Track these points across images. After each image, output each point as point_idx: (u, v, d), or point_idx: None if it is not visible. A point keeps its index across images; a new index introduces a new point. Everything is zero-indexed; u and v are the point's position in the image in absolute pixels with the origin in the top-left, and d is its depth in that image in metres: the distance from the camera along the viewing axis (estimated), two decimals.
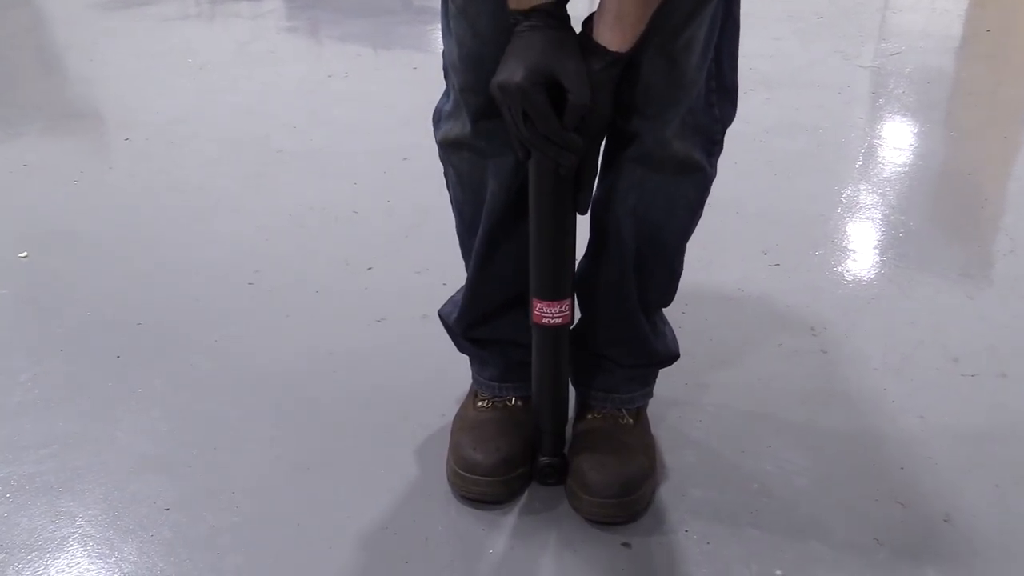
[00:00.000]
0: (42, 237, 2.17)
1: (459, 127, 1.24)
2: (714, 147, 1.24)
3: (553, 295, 1.26)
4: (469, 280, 1.40)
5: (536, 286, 1.27)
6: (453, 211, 1.39)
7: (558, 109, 1.11)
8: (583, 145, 1.14)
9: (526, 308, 1.29)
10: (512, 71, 1.09)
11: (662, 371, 1.48)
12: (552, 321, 1.27)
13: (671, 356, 1.45)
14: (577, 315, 1.35)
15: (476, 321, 1.43)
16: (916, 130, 2.74)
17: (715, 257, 2.01)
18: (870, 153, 2.57)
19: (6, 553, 1.32)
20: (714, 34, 1.16)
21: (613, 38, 1.09)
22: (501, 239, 1.32)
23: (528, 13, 1.09)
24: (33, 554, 1.32)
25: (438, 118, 1.30)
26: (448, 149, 1.29)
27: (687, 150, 1.21)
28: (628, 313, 1.36)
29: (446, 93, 1.28)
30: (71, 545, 1.33)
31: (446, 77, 1.26)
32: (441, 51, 1.24)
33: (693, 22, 1.11)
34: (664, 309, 1.45)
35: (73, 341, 1.79)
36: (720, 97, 1.22)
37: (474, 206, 1.33)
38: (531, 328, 1.31)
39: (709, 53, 1.17)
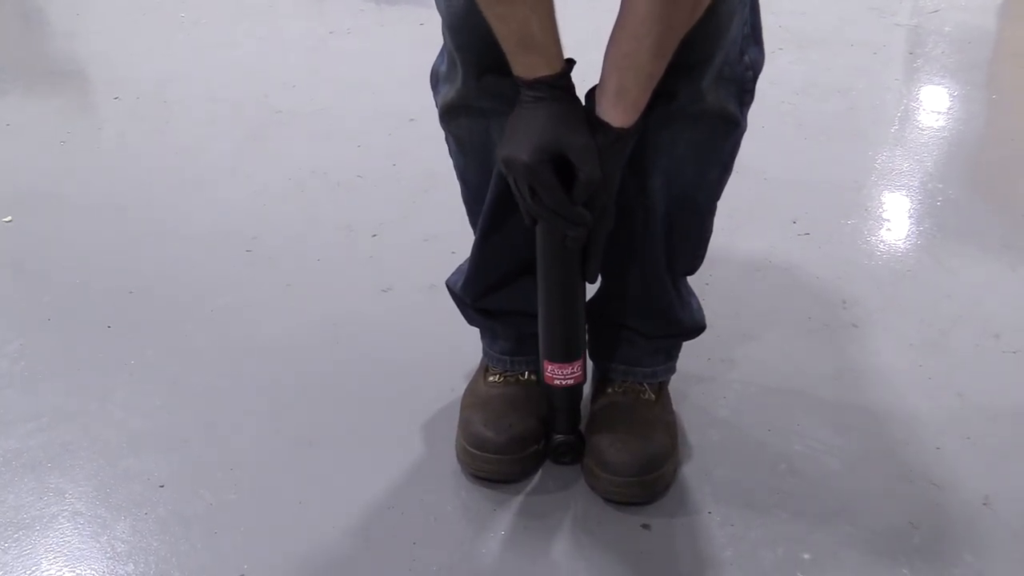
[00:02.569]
0: (28, 200, 2.17)
1: (456, 89, 1.24)
2: (746, 96, 1.24)
3: (564, 358, 1.31)
4: (475, 247, 1.40)
5: (546, 349, 1.32)
6: (459, 181, 1.39)
7: (566, 182, 1.15)
8: (591, 219, 1.18)
9: (535, 276, 1.30)
10: (518, 147, 1.13)
11: (685, 345, 1.48)
12: (564, 382, 1.33)
13: (697, 327, 1.45)
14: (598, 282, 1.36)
15: (485, 290, 1.43)
16: (956, 92, 2.72)
17: (741, 226, 2.00)
18: (906, 117, 2.56)
19: None
20: None
21: (616, 115, 1.12)
22: (510, 206, 1.32)
23: (532, 84, 1.12)
24: (20, 532, 1.33)
25: (435, 81, 1.30)
26: (446, 117, 1.29)
27: (721, 102, 1.21)
28: (655, 280, 1.36)
29: (442, 52, 1.28)
30: (60, 523, 1.34)
31: (443, 34, 1.26)
32: None
33: None
34: (688, 280, 1.45)
35: (61, 310, 1.79)
36: (748, 43, 1.22)
37: (479, 173, 1.33)
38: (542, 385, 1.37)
39: (743, 8, 1.17)
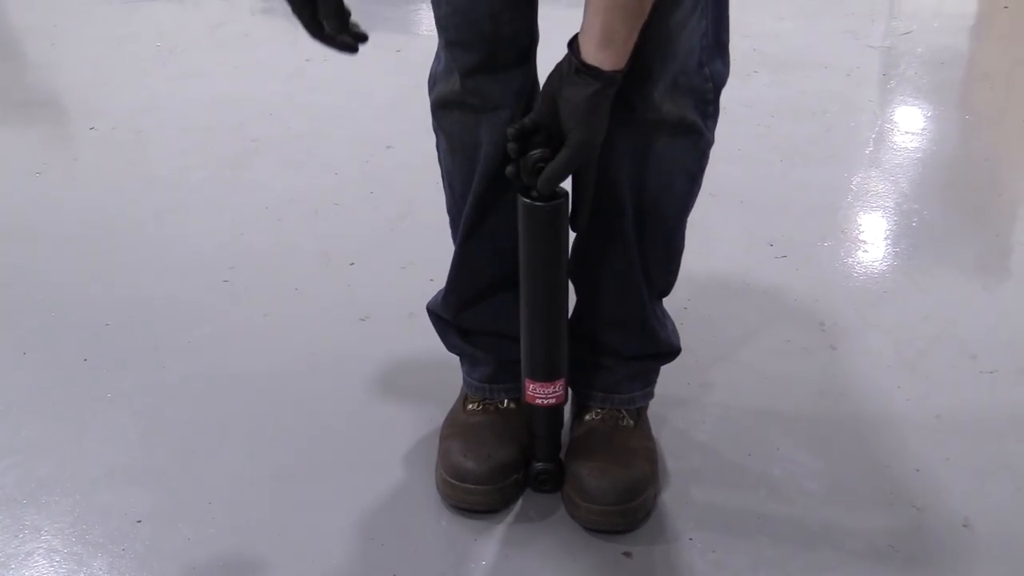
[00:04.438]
0: (2, 232, 2.15)
1: (450, 86, 1.27)
2: (707, 107, 1.25)
3: (546, 376, 1.31)
4: (456, 253, 1.40)
5: (528, 367, 1.32)
6: (444, 187, 1.40)
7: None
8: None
9: (517, 292, 1.30)
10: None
11: (664, 369, 1.48)
12: (546, 402, 1.33)
13: (673, 348, 1.45)
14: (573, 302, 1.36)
15: (465, 302, 1.43)
16: (929, 114, 2.75)
17: (718, 249, 2.01)
18: (881, 138, 2.58)
19: None
20: None
21: (606, 58, 1.10)
22: (492, 205, 1.32)
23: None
24: None
25: (433, 82, 1.32)
26: (440, 112, 1.31)
27: (679, 111, 1.22)
28: (630, 290, 1.36)
29: (438, 54, 1.30)
30: (36, 561, 1.33)
31: (438, 33, 1.28)
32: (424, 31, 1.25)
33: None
34: (666, 303, 1.45)
35: (37, 343, 1.78)
36: (710, 56, 1.23)
37: (464, 175, 1.33)
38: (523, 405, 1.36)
39: (704, 20, 1.18)
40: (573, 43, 1.12)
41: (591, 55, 1.10)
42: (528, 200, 1.20)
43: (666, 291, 1.43)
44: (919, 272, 1.96)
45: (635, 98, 1.19)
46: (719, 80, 1.26)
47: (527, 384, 1.33)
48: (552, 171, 1.16)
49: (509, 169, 1.19)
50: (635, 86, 1.18)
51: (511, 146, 1.17)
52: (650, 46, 1.15)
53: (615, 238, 1.32)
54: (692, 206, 1.35)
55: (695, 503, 1.40)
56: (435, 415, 1.54)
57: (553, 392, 1.32)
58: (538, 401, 1.33)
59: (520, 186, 1.20)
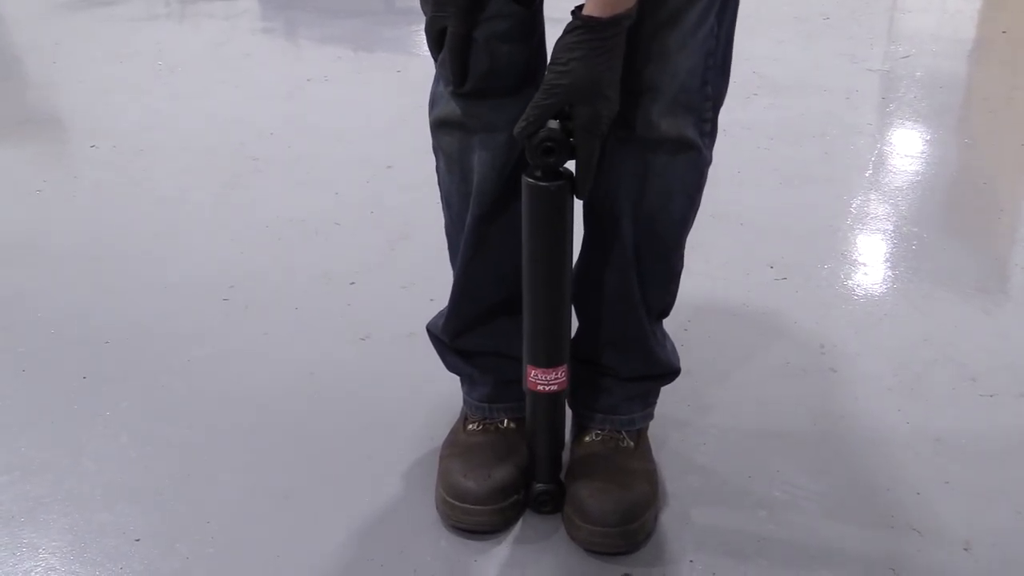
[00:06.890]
0: (3, 250, 2.16)
1: (449, 107, 1.27)
2: (704, 125, 1.26)
3: (548, 362, 1.30)
4: (456, 278, 1.40)
5: (530, 352, 1.30)
6: (443, 208, 1.40)
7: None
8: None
9: (518, 314, 1.30)
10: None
11: (664, 390, 1.48)
12: (547, 388, 1.31)
13: (673, 369, 1.45)
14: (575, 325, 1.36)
15: (464, 326, 1.43)
16: (928, 137, 2.76)
17: (718, 271, 2.01)
18: (880, 161, 2.59)
19: None
20: (710, 15, 1.18)
21: (588, 4, 1.09)
22: (490, 229, 1.33)
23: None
24: None
25: (433, 102, 1.32)
26: (438, 132, 1.31)
27: (678, 129, 1.23)
28: (630, 308, 1.36)
29: (437, 77, 1.30)
30: None
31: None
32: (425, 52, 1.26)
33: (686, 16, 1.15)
34: (666, 324, 1.46)
35: (36, 361, 1.78)
36: (716, 75, 1.24)
37: (462, 196, 1.34)
38: (525, 392, 1.34)
39: (709, 40, 1.19)
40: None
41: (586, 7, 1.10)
42: (532, 180, 1.19)
43: (665, 312, 1.43)
44: (918, 295, 1.96)
45: (633, 117, 1.20)
46: (719, 100, 1.27)
47: (528, 370, 1.31)
48: (526, 113, 1.14)
49: (518, 127, 1.16)
50: (633, 105, 1.19)
51: (520, 125, 1.15)
52: (648, 65, 1.17)
53: (614, 258, 1.32)
54: (690, 226, 1.35)
55: (695, 525, 1.40)
56: (435, 434, 1.54)
57: (555, 379, 1.30)
58: (539, 387, 1.31)
59: (526, 166, 1.20)
